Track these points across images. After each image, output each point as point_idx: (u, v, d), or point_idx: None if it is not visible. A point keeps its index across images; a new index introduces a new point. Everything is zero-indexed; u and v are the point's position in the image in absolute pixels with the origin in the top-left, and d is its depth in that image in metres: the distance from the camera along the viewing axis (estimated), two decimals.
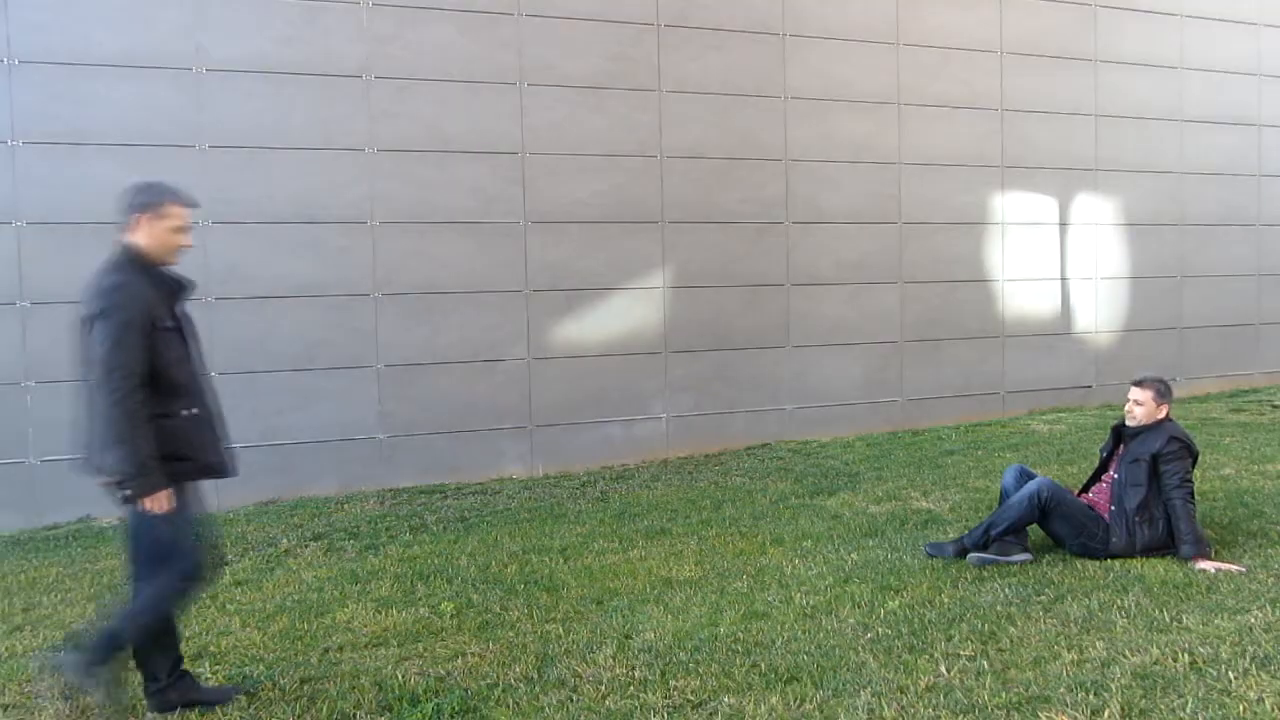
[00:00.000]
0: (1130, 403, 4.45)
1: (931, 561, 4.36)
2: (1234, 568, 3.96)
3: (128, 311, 2.86)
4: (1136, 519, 4.18)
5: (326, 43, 7.27)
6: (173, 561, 2.97)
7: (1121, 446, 4.45)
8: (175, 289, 3.08)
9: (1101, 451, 4.55)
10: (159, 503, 2.85)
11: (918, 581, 4.05)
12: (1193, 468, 4.27)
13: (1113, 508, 4.27)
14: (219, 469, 3.10)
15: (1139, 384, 4.46)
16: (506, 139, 7.74)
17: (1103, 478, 4.51)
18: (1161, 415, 4.39)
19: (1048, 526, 4.35)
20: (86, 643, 3.00)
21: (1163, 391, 4.41)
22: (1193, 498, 4.19)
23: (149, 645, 3.08)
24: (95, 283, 2.95)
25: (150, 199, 3.01)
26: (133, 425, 2.80)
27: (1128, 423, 4.43)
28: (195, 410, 3.06)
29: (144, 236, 3.01)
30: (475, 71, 7.66)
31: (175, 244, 3.05)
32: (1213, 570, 3.94)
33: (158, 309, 2.96)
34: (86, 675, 2.94)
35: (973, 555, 4.27)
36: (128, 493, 2.83)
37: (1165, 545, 4.18)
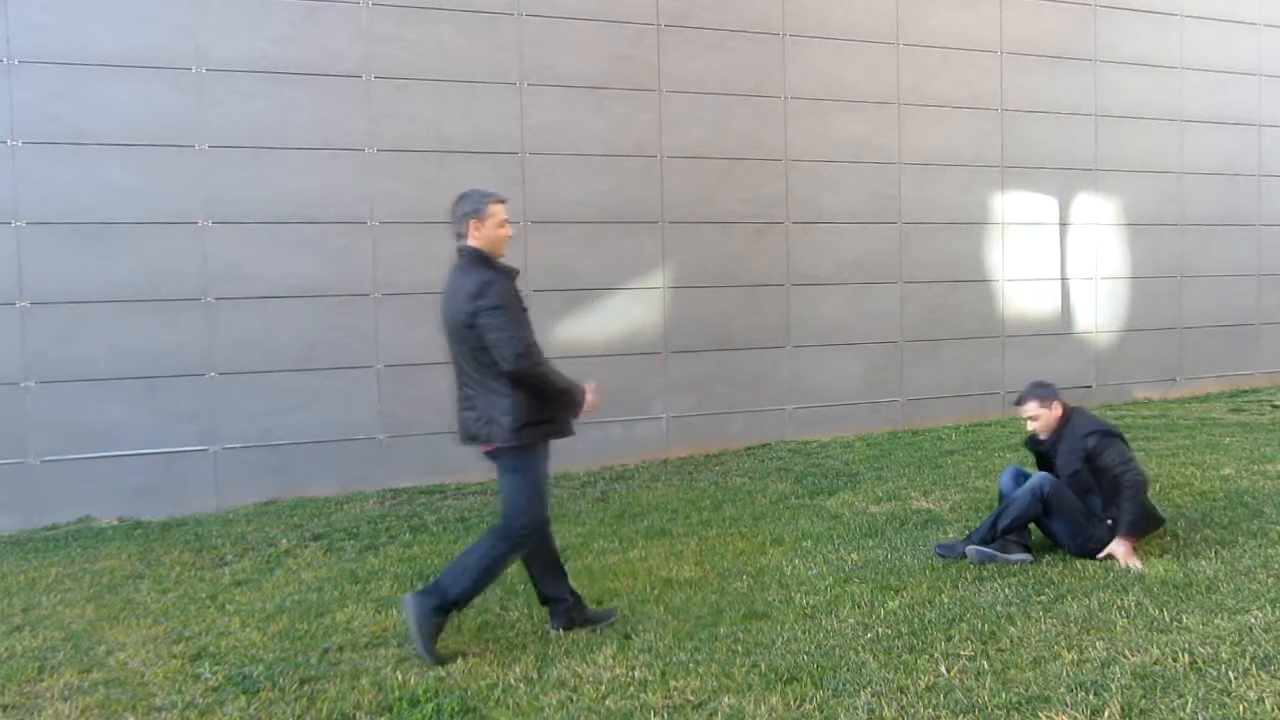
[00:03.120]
0: (1027, 423, 4.47)
1: (931, 561, 4.36)
2: (1137, 565, 4.00)
3: (505, 298, 3.41)
4: (1110, 520, 4.20)
5: (326, 42, 7.27)
6: (521, 515, 3.51)
7: (1054, 462, 4.43)
8: (514, 276, 3.58)
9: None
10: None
11: (918, 581, 4.05)
12: (1126, 445, 4.26)
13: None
14: (570, 430, 3.66)
15: (1019, 404, 4.48)
16: (506, 139, 7.74)
17: None
18: (1059, 413, 4.39)
19: (1048, 524, 4.35)
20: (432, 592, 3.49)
21: (1043, 395, 4.40)
22: (1142, 475, 4.17)
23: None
24: (463, 284, 3.47)
25: (474, 205, 3.54)
26: (556, 378, 3.48)
27: (1041, 437, 4.42)
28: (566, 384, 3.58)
29: (479, 238, 3.54)
30: (475, 71, 7.66)
31: (503, 237, 3.58)
32: (1121, 556, 4.02)
33: (518, 295, 3.51)
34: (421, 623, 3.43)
35: (971, 549, 4.27)
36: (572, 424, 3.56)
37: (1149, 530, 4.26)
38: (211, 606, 4.42)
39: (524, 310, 3.53)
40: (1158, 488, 5.60)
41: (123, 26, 6.82)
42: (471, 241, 3.55)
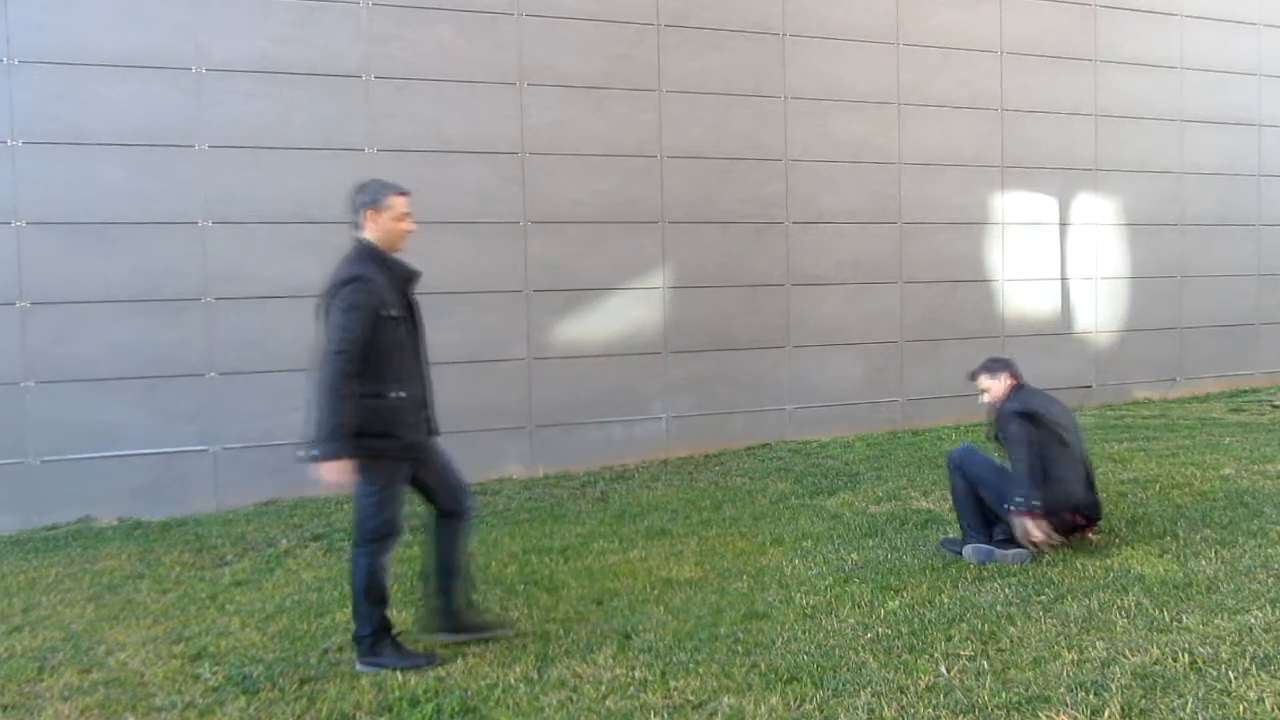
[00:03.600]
0: (981, 396, 4.54)
1: (931, 561, 4.36)
2: (1039, 536, 4.02)
3: (358, 299, 3.22)
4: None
5: (326, 42, 7.27)
6: (371, 526, 3.42)
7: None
8: (408, 277, 3.43)
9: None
10: (335, 472, 3.21)
11: (918, 581, 4.05)
12: (1034, 422, 4.24)
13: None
14: (419, 448, 3.45)
15: (972, 378, 4.58)
16: (506, 139, 7.74)
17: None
18: (1008, 384, 4.45)
19: (981, 497, 4.34)
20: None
21: (991, 367, 4.49)
22: (1033, 452, 4.17)
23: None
24: (333, 275, 3.29)
25: (372, 195, 3.40)
26: (337, 400, 3.17)
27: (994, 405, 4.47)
28: (403, 394, 3.35)
29: (374, 231, 3.38)
30: (475, 71, 7.66)
31: (401, 231, 3.44)
32: (1031, 527, 4.03)
33: (387, 298, 3.31)
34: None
35: (968, 549, 4.28)
36: (315, 454, 3.18)
37: (1069, 505, 4.23)
38: (211, 606, 4.42)
39: (392, 317, 3.28)
40: (1157, 487, 5.60)
41: (123, 26, 6.82)
42: (366, 234, 3.38)
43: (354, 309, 3.20)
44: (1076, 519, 4.32)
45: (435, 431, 3.58)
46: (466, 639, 3.61)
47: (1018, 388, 4.48)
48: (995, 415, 4.42)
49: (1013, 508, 4.14)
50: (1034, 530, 4.11)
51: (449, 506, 3.62)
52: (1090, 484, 4.41)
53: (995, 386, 4.49)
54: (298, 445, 3.35)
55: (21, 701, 3.33)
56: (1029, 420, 4.25)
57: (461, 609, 3.64)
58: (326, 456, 3.18)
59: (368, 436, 3.26)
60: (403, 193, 3.46)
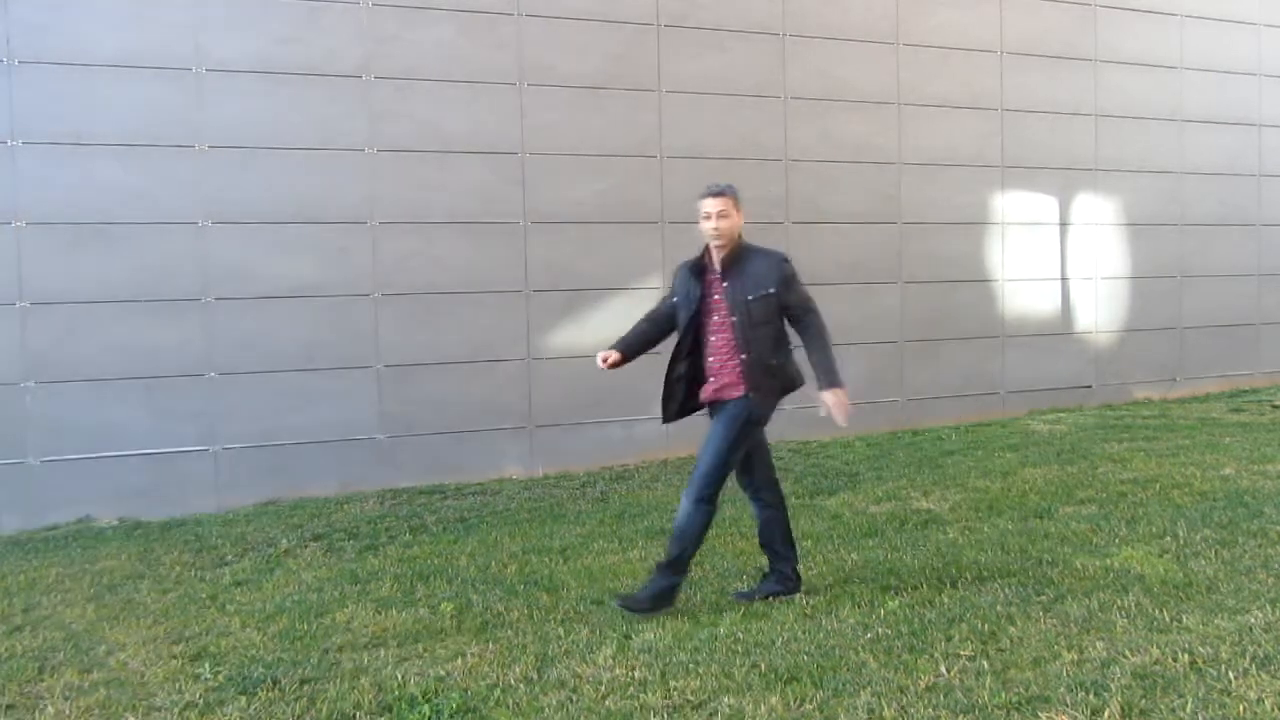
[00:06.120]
0: (709, 220, 3.90)
1: (931, 561, 4.36)
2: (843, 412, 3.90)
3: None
4: (773, 363, 3.96)
5: (326, 43, 7.27)
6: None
7: (719, 284, 3.94)
8: None
9: (676, 301, 4.09)
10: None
11: (918, 581, 4.05)
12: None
13: (744, 356, 3.89)
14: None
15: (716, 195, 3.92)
16: (506, 139, 7.74)
17: (711, 328, 3.98)
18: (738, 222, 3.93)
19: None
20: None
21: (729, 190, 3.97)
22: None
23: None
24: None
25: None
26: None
27: (715, 243, 3.93)
28: None
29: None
30: (475, 71, 7.66)
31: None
32: (834, 404, 3.93)
33: None
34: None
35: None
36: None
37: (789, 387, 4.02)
38: (211, 606, 4.43)
39: None
40: (1157, 487, 5.61)
41: (123, 26, 6.82)
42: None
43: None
44: None
45: None
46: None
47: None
48: (768, 256, 4.00)
49: (828, 388, 3.94)
50: (836, 401, 3.95)
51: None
52: None
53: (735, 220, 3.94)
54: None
55: (22, 701, 3.33)
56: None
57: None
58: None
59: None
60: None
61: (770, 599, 3.97)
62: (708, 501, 3.90)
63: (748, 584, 4.27)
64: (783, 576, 4.07)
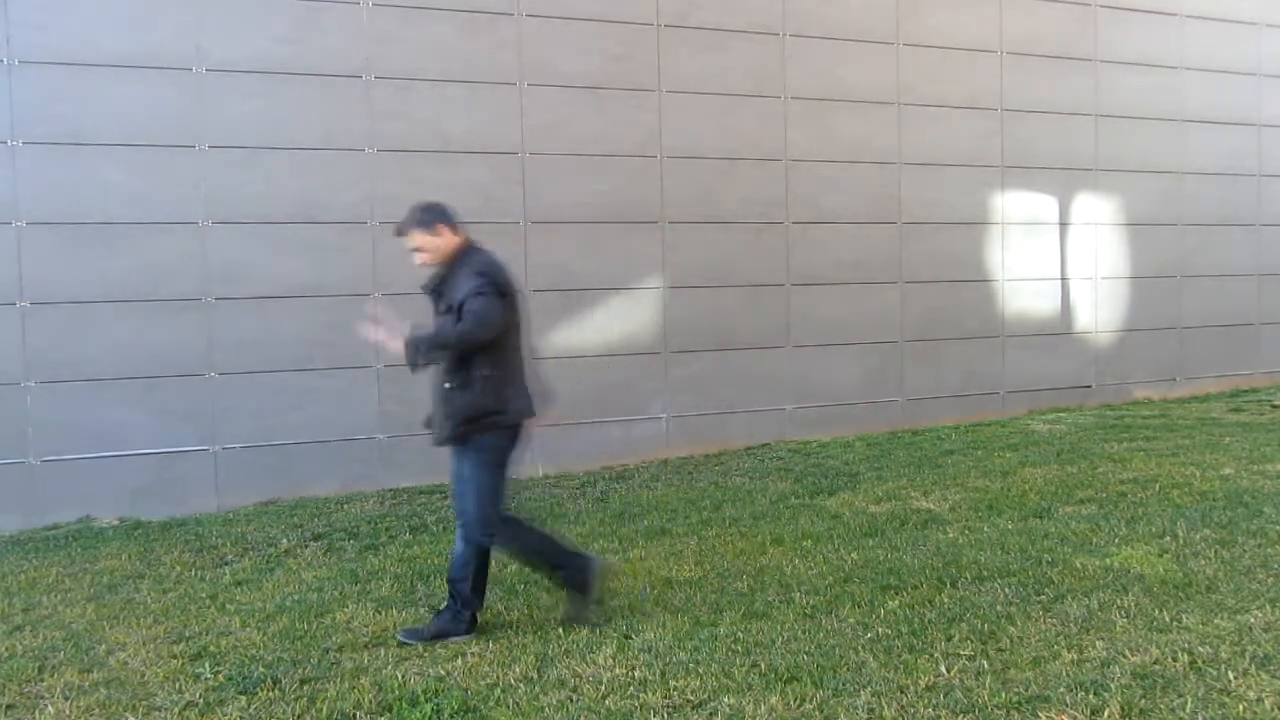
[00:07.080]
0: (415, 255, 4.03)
1: (931, 561, 4.36)
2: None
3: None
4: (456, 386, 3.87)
5: (326, 43, 7.27)
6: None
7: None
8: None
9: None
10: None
11: (918, 581, 4.06)
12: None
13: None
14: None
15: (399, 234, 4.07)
16: (506, 139, 7.74)
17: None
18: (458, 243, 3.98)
19: None
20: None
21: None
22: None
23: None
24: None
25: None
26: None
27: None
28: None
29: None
30: (475, 71, 7.65)
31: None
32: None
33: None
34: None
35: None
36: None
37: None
38: (211, 606, 4.43)
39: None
40: (1157, 487, 5.61)
41: (123, 26, 6.82)
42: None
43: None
44: None
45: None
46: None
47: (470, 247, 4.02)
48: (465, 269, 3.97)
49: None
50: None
51: None
52: None
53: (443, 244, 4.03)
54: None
55: (22, 701, 3.34)
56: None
57: None
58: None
59: None
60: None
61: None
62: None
63: (747, 584, 4.27)
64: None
